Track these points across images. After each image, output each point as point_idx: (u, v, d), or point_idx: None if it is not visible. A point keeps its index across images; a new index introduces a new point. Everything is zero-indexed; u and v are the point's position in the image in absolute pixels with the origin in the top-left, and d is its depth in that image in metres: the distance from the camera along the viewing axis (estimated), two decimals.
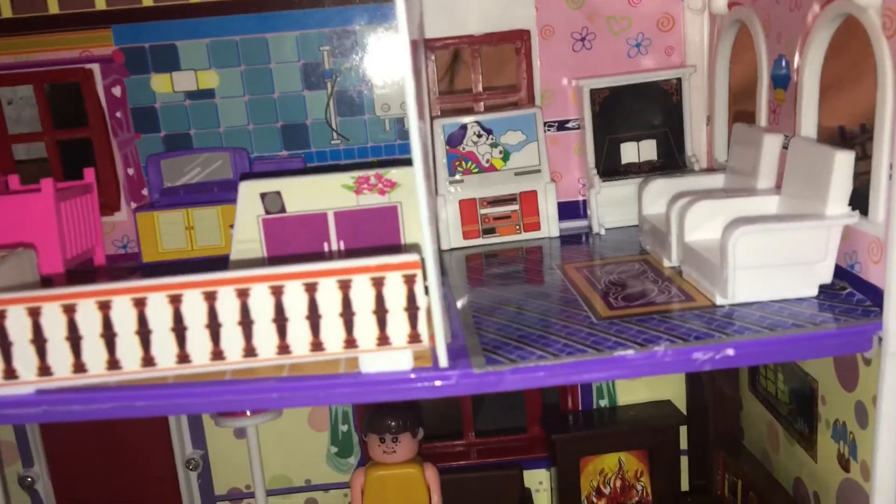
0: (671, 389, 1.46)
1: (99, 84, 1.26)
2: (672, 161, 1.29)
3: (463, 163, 1.27)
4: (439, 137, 1.25)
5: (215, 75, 1.27)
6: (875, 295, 0.85)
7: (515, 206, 1.27)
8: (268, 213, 1.02)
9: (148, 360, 0.80)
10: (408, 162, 0.81)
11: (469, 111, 1.31)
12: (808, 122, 0.97)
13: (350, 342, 0.81)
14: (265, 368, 0.83)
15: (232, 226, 1.03)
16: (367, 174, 1.02)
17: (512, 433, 1.57)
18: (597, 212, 1.27)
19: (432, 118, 1.26)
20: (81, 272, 1.18)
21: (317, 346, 0.81)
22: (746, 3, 1.11)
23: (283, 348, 0.81)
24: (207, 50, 1.27)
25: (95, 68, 1.25)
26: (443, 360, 0.81)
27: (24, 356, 0.79)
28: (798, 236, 0.87)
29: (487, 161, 1.27)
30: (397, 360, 0.82)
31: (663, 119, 1.28)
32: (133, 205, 1.30)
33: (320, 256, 0.99)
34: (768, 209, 0.97)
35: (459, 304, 1.01)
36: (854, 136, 0.93)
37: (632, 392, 1.46)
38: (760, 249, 0.87)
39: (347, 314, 0.80)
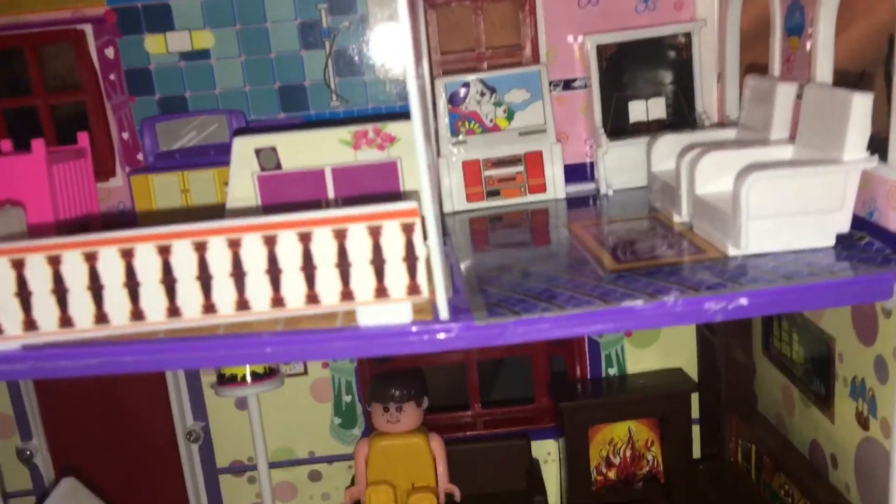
0: (682, 357, 1.43)
1: (91, 45, 1.23)
2: (682, 119, 1.25)
3: (466, 123, 1.23)
4: (441, 96, 1.22)
5: (210, 35, 1.24)
6: (895, 243, 0.81)
7: (520, 168, 1.24)
8: (263, 169, 0.99)
9: (137, 314, 0.77)
10: (407, 116, 0.78)
11: (472, 71, 1.27)
12: (824, 68, 0.93)
13: (346, 294, 0.78)
14: (260, 323, 0.79)
15: (227, 184, 1.00)
16: (365, 128, 0.99)
17: (519, 404, 1.54)
18: (604, 172, 1.23)
19: (434, 77, 1.22)
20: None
21: (312, 298, 0.78)
22: None
23: (278, 301, 0.78)
24: (202, 8, 1.23)
25: (88, 29, 1.22)
26: (443, 313, 0.78)
27: (8, 310, 0.76)
28: (814, 182, 0.84)
29: (491, 121, 1.23)
30: (396, 312, 0.79)
31: (673, 76, 1.24)
32: (128, 170, 1.27)
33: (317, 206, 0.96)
34: (782, 158, 0.93)
35: (463, 266, 0.98)
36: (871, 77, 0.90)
37: (641, 360, 1.43)
38: (775, 197, 0.84)
39: (343, 265, 0.77)
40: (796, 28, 0.99)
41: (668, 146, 1.10)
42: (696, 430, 1.41)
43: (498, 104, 1.23)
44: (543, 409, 1.51)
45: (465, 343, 0.78)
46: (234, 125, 1.24)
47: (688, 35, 1.22)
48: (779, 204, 0.84)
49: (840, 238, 0.86)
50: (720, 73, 1.23)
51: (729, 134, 1.09)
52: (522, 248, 1.07)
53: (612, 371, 1.43)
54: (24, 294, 0.76)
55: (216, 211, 0.92)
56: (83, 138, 1.20)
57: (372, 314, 0.79)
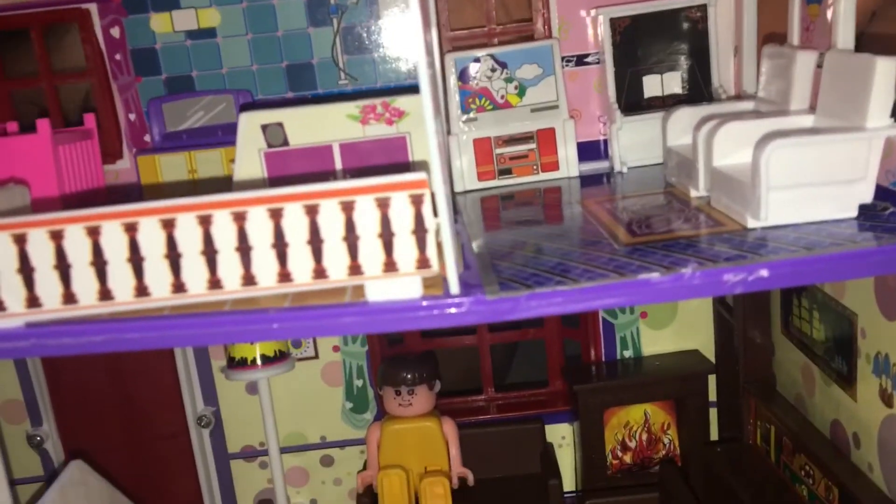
0: (699, 339, 1.40)
1: (97, 25, 1.21)
2: (698, 94, 1.22)
3: (476, 99, 1.21)
4: (451, 72, 1.19)
5: (216, 13, 1.22)
6: None
7: (532, 145, 1.21)
8: (270, 146, 0.97)
9: (141, 290, 0.75)
10: (416, 90, 0.76)
11: (483, 47, 1.24)
12: (846, 34, 0.90)
13: (355, 268, 0.76)
14: (267, 299, 0.78)
15: (233, 160, 0.98)
16: (374, 103, 0.97)
17: (533, 387, 1.52)
18: (618, 149, 1.21)
19: (444, 53, 1.20)
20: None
21: (320, 272, 0.76)
22: None
23: (284, 276, 0.76)
24: None
25: (93, 8, 1.20)
26: (454, 287, 0.76)
27: (11, 287, 0.75)
28: (836, 150, 0.81)
29: (502, 97, 1.21)
30: (405, 287, 0.76)
31: (688, 49, 1.21)
32: (135, 151, 1.25)
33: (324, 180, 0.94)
34: (803, 127, 0.91)
35: (474, 244, 0.95)
36: None
37: (657, 342, 1.41)
38: (795, 166, 0.81)
39: (351, 238, 0.75)
40: None
41: (684, 119, 1.07)
42: (713, 413, 1.39)
43: (509, 80, 1.20)
44: (558, 393, 1.49)
45: (477, 318, 0.76)
46: (241, 105, 1.22)
47: (703, 7, 1.19)
48: (800, 173, 0.81)
49: (863, 208, 0.83)
50: (737, 47, 1.20)
51: (747, 106, 1.06)
52: (535, 225, 1.04)
53: (628, 353, 1.41)
54: (26, 270, 0.74)
55: (223, 184, 0.90)
56: (89, 119, 1.19)
57: (381, 289, 0.77)
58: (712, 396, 1.38)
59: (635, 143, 1.21)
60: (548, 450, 1.40)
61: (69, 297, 0.75)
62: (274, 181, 0.97)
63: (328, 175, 0.96)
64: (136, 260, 0.74)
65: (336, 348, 1.40)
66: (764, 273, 0.75)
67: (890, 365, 0.87)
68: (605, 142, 1.28)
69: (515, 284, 0.77)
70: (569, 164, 1.22)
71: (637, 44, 1.21)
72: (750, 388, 1.23)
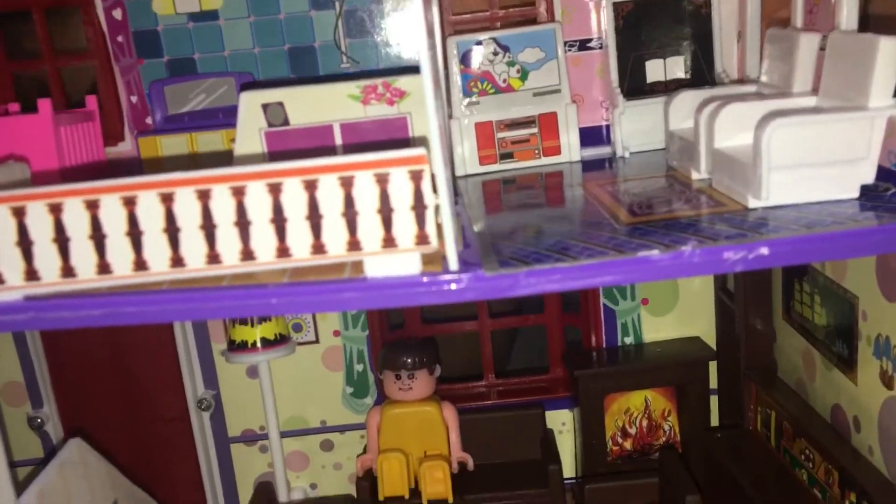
0: (700, 326, 1.40)
1: (99, 6, 1.21)
2: (701, 79, 1.21)
3: (478, 83, 1.20)
4: (453, 56, 1.19)
5: None
6: None
7: (534, 129, 1.21)
8: (270, 125, 0.97)
9: (140, 264, 0.75)
10: (417, 70, 0.75)
11: (485, 30, 1.24)
12: (850, 14, 0.90)
13: (354, 244, 0.75)
14: (265, 274, 0.78)
15: (233, 140, 0.98)
16: (375, 83, 0.97)
17: (533, 374, 1.52)
18: (621, 134, 1.20)
19: (446, 36, 1.20)
20: None
21: (318, 248, 0.76)
22: None
23: (283, 251, 0.76)
24: None
25: None
26: (453, 263, 0.76)
27: (9, 260, 0.75)
28: (838, 129, 0.80)
29: (504, 81, 1.20)
30: (404, 263, 0.76)
31: (691, 34, 1.21)
32: (136, 132, 1.25)
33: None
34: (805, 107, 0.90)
35: (475, 227, 0.95)
36: None
37: (658, 329, 1.41)
38: (797, 145, 0.81)
39: (350, 214, 0.75)
40: None
41: (686, 103, 1.07)
42: (713, 400, 1.38)
43: (511, 64, 1.20)
44: (558, 380, 1.49)
45: (475, 294, 0.76)
46: (241, 84, 1.22)
47: None
48: (801, 153, 0.81)
49: (864, 189, 0.83)
50: (741, 32, 1.20)
51: (750, 89, 1.06)
52: (536, 208, 1.04)
53: (629, 340, 1.41)
54: (25, 243, 0.74)
55: (223, 159, 0.90)
56: (91, 102, 1.19)
57: (380, 265, 0.76)
58: (713, 383, 1.37)
59: (637, 128, 1.20)
60: (548, 436, 1.39)
61: (68, 271, 0.75)
62: (274, 159, 0.97)
63: (328, 151, 0.96)
64: (134, 234, 0.74)
65: (337, 333, 1.40)
66: (764, 251, 0.75)
67: (891, 347, 0.87)
68: (608, 127, 1.28)
69: (514, 262, 0.77)
70: (571, 149, 1.21)
71: (640, 28, 1.20)
72: (751, 374, 1.23)
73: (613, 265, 0.75)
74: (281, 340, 1.32)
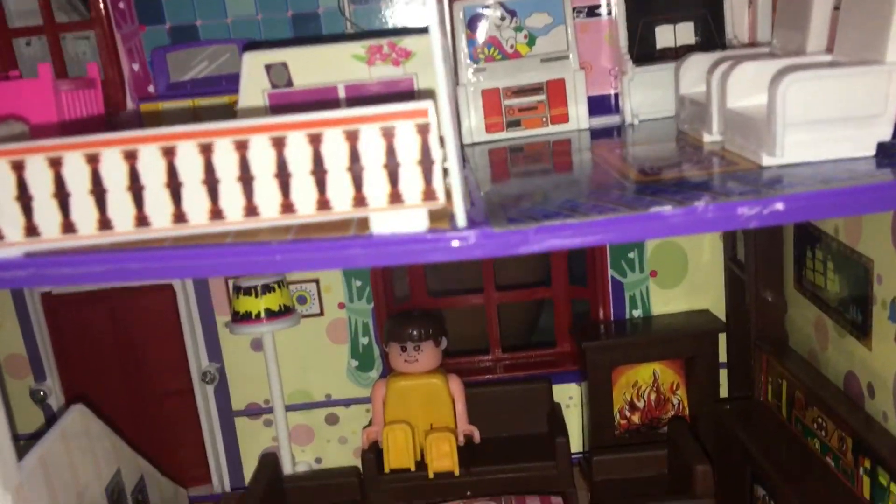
0: (709, 298, 1.38)
1: None
2: (712, 45, 1.19)
3: (485, 49, 1.18)
4: (459, 21, 1.17)
5: None
6: None
7: (542, 97, 1.19)
8: (273, 86, 0.96)
9: (141, 220, 0.74)
10: (423, 30, 0.74)
11: None
12: None
13: (359, 200, 0.74)
14: (269, 233, 0.76)
15: (236, 103, 0.96)
16: (380, 43, 0.95)
17: (540, 348, 1.51)
18: (630, 101, 1.18)
19: (452, 1, 1.18)
20: None
21: (323, 204, 0.74)
22: None
23: (287, 207, 0.74)
24: None
25: None
26: (461, 220, 0.74)
27: (9, 215, 0.73)
28: (855, 84, 0.78)
29: (511, 47, 1.19)
30: (411, 219, 0.74)
31: None
32: (138, 100, 1.24)
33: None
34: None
35: (482, 192, 0.94)
36: None
37: (667, 302, 1.39)
38: (812, 101, 0.79)
39: (356, 169, 0.73)
40: None
41: (697, 66, 1.04)
42: (723, 374, 1.37)
43: (518, 29, 1.18)
44: (565, 354, 1.48)
45: (483, 252, 0.74)
46: (244, 45, 1.20)
47: None
48: (817, 109, 0.79)
49: (881, 147, 0.81)
50: None
51: (762, 51, 1.04)
52: (544, 175, 1.02)
53: (637, 313, 1.39)
54: (24, 198, 0.73)
55: (226, 114, 0.89)
56: (92, 69, 1.17)
57: (386, 221, 0.75)
58: (723, 357, 1.36)
59: (647, 95, 1.18)
60: (555, 409, 1.38)
61: (68, 227, 0.73)
62: None
63: (332, 105, 0.94)
64: (136, 189, 0.73)
65: (342, 305, 1.38)
66: (779, 206, 0.73)
67: None
68: (616, 96, 1.26)
69: (524, 219, 0.75)
70: (579, 117, 1.19)
71: None
72: (762, 344, 1.21)
73: (625, 221, 0.73)
74: (285, 312, 1.30)
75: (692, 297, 1.38)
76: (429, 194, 0.74)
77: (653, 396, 1.36)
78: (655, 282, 1.38)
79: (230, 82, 1.20)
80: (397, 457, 1.27)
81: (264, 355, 1.35)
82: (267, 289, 1.28)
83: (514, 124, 1.20)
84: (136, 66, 1.24)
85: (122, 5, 1.22)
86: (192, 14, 1.22)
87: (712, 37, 1.19)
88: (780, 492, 1.02)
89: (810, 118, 0.79)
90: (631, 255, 1.36)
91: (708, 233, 1.32)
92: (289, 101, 0.96)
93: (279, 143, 0.73)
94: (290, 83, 0.96)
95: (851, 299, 0.99)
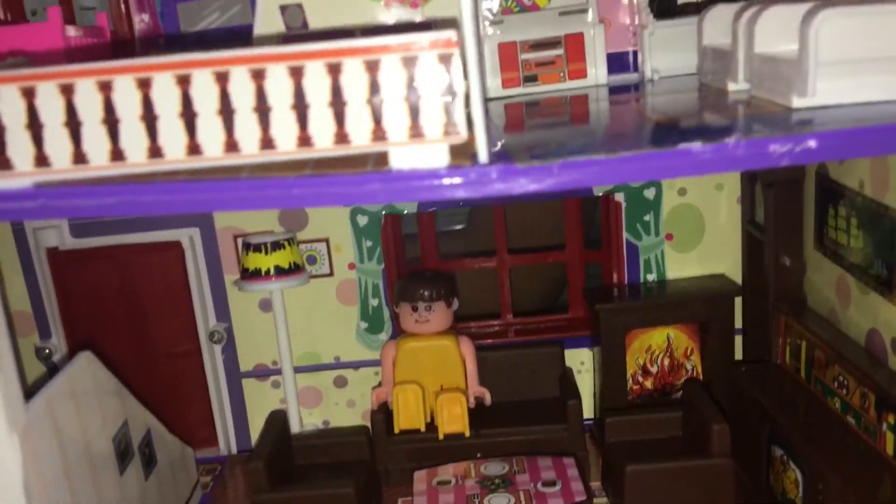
0: (726, 263, 1.36)
1: None
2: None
3: (502, 1, 1.16)
4: None
5: None
6: None
7: (560, 51, 1.17)
8: (288, 28, 0.93)
9: (155, 151, 0.71)
10: None
11: None
12: None
13: (378, 134, 0.71)
14: (286, 166, 0.74)
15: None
16: None
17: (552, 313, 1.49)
18: (650, 56, 1.16)
19: None
20: None
21: (342, 137, 0.72)
22: None
23: (305, 140, 0.72)
24: None
25: None
26: (483, 155, 0.72)
27: (18, 144, 0.71)
28: (891, 22, 0.76)
29: None
30: (432, 154, 0.72)
31: None
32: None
33: None
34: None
35: (499, 143, 0.91)
36: None
37: (683, 266, 1.37)
38: (846, 40, 0.76)
39: (376, 101, 0.71)
40: None
41: (722, 16, 1.02)
42: (738, 340, 1.35)
43: None
44: (578, 319, 1.46)
45: (506, 188, 0.72)
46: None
47: None
48: (850, 48, 0.77)
49: None
50: None
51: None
52: (563, 126, 1.00)
53: (651, 277, 1.37)
54: (35, 127, 0.71)
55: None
56: (101, 18, 1.15)
57: (406, 156, 0.73)
58: (738, 323, 1.34)
59: (667, 50, 1.16)
60: (567, 373, 1.36)
61: (79, 157, 0.71)
62: None
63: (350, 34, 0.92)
64: (149, 118, 0.70)
65: (352, 266, 1.36)
66: (812, 144, 0.71)
67: None
68: (635, 53, 1.23)
69: (548, 155, 0.73)
70: (597, 72, 1.17)
71: None
72: (779, 308, 1.19)
73: (654, 157, 0.71)
74: (295, 270, 1.28)
75: (708, 262, 1.36)
76: (451, 128, 0.72)
77: (666, 362, 1.34)
78: (671, 245, 1.36)
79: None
80: (407, 417, 1.26)
81: (273, 315, 1.33)
82: (277, 245, 1.26)
83: (531, 79, 1.18)
84: (145, 17, 1.22)
85: None
86: None
87: None
88: (800, 451, 1.00)
89: (844, 57, 0.77)
90: (647, 217, 1.34)
91: (737, 171, 1.29)
92: None
93: (297, 73, 0.70)
94: (305, 25, 0.93)
95: (877, 253, 0.97)
